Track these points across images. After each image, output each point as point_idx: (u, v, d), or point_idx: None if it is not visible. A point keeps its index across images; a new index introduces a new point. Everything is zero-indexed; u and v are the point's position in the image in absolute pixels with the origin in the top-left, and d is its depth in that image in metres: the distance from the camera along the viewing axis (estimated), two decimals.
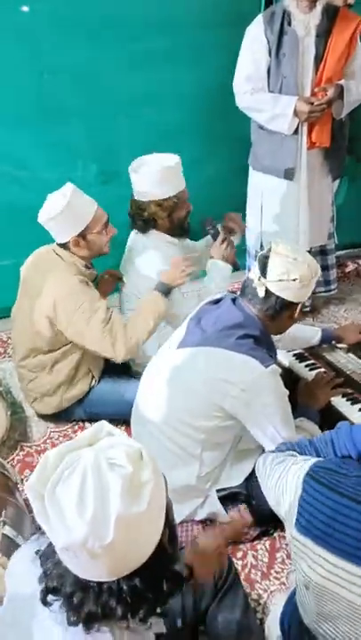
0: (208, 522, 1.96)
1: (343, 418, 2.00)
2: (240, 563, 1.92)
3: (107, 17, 2.79)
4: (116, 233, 2.31)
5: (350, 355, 2.33)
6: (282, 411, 1.78)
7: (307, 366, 2.30)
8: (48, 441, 2.48)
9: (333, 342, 2.39)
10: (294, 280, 1.71)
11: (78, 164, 3.06)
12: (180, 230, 2.44)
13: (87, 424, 2.53)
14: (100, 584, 0.91)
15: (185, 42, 2.99)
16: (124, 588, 0.91)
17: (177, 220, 2.41)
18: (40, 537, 1.00)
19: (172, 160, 2.35)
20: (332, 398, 2.09)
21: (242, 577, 1.79)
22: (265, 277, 1.73)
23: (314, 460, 1.37)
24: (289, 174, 2.75)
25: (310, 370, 2.27)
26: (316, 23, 2.53)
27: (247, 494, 1.91)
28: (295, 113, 2.59)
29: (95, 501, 0.86)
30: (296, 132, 2.67)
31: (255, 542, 1.99)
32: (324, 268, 3.10)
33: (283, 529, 1.82)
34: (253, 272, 1.78)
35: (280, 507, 1.37)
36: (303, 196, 2.81)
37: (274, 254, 1.73)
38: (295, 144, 2.70)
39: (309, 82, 2.62)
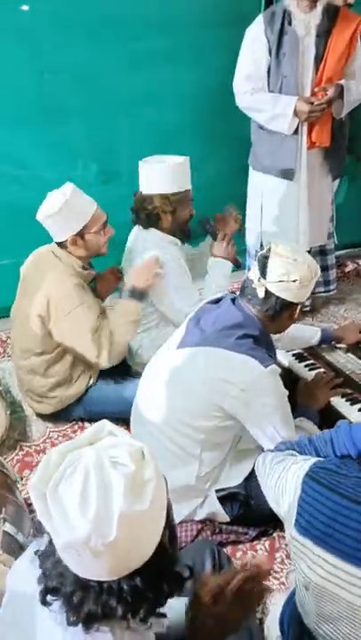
0: (208, 522, 1.96)
1: (343, 418, 1.99)
2: (239, 563, 1.92)
3: (107, 17, 2.79)
4: (113, 234, 2.31)
5: (350, 355, 2.33)
6: (281, 411, 1.78)
7: (306, 366, 2.30)
8: (47, 440, 2.48)
9: (333, 342, 2.39)
10: (294, 281, 1.71)
11: (78, 163, 3.06)
12: (180, 233, 2.44)
13: (87, 424, 2.53)
14: (100, 583, 0.91)
15: (185, 42, 2.99)
16: (125, 587, 0.91)
17: (179, 221, 2.41)
18: (39, 537, 0.99)
19: (181, 158, 2.37)
20: (332, 398, 2.09)
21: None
22: (265, 278, 1.73)
23: (314, 460, 1.37)
24: (289, 174, 2.75)
25: (310, 370, 2.27)
26: (316, 23, 2.53)
27: (246, 494, 1.91)
28: (295, 113, 2.59)
29: (98, 499, 0.86)
30: (296, 131, 2.67)
31: (254, 542, 1.99)
32: (324, 268, 3.10)
33: (282, 529, 1.82)
34: (253, 272, 1.78)
35: (280, 507, 1.37)
36: (303, 196, 2.81)
37: (274, 255, 1.73)
38: (295, 144, 2.70)
39: (309, 81, 2.62)
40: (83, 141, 3.01)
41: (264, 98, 2.66)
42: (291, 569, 1.86)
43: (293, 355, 2.37)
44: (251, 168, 2.95)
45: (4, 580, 1.10)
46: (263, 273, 1.74)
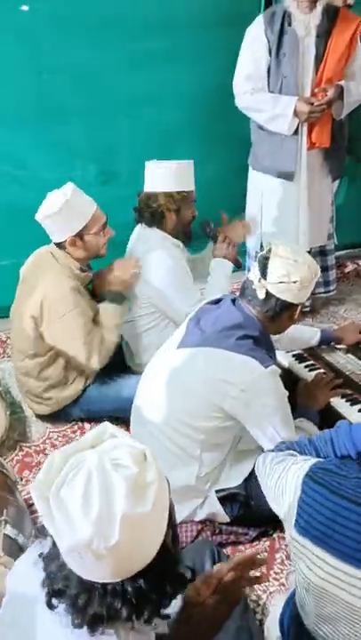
0: (207, 522, 1.96)
1: (343, 418, 1.99)
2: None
3: (106, 17, 2.79)
4: (113, 235, 2.31)
5: (350, 355, 2.33)
6: (281, 411, 1.78)
7: (306, 367, 2.30)
8: (47, 441, 2.48)
9: (333, 343, 2.39)
10: (295, 282, 1.71)
11: (78, 164, 3.07)
12: (182, 235, 2.44)
13: (86, 424, 2.53)
14: (104, 585, 0.91)
15: (185, 42, 3.00)
16: (129, 589, 0.91)
17: (183, 221, 2.41)
18: (42, 540, 0.99)
19: (186, 161, 2.38)
20: (332, 399, 2.09)
21: None
22: (265, 279, 1.73)
23: (313, 460, 1.37)
24: (289, 175, 2.75)
25: (310, 370, 2.27)
26: (316, 23, 2.54)
27: (246, 495, 1.91)
28: (295, 113, 2.59)
29: (100, 502, 0.86)
30: (296, 132, 2.67)
31: (254, 543, 1.99)
32: (324, 268, 3.10)
33: (282, 529, 1.82)
34: (253, 273, 1.78)
35: (279, 507, 1.37)
36: (303, 197, 2.81)
37: (274, 256, 1.73)
38: (295, 144, 2.70)
39: (309, 82, 2.62)
40: (82, 142, 3.01)
41: (264, 98, 2.66)
42: (291, 570, 1.86)
43: (293, 355, 2.37)
44: (251, 168, 2.95)
45: (5, 581, 1.10)
46: (264, 274, 1.73)
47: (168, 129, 3.07)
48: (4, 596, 1.09)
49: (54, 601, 0.94)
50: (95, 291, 2.44)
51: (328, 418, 1.99)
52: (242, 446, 1.97)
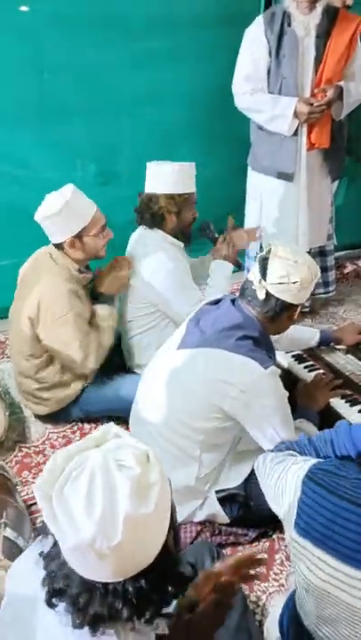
0: (207, 523, 1.96)
1: (342, 419, 1.99)
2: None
3: (108, 16, 2.79)
4: (112, 237, 2.31)
5: (349, 356, 2.33)
6: (281, 412, 1.78)
7: (306, 367, 2.30)
8: (47, 442, 2.48)
9: (332, 343, 2.39)
10: (295, 282, 1.71)
11: (78, 164, 3.06)
12: (182, 236, 2.44)
13: (85, 424, 2.53)
14: (105, 585, 0.91)
15: (185, 42, 3.00)
16: (130, 589, 0.91)
17: (183, 223, 2.41)
18: (43, 539, 0.99)
19: (188, 163, 2.38)
20: (332, 400, 2.09)
21: None
22: (265, 280, 1.73)
23: (313, 461, 1.37)
24: (288, 176, 2.75)
25: (309, 371, 2.27)
26: (315, 24, 2.54)
27: (246, 495, 1.91)
28: (295, 114, 2.59)
29: (104, 502, 0.86)
30: (296, 133, 2.67)
31: (254, 544, 1.99)
32: (324, 269, 3.10)
33: (281, 530, 1.82)
34: (253, 274, 1.78)
35: (279, 507, 1.37)
36: (303, 197, 2.81)
37: (274, 256, 1.73)
38: (295, 145, 2.70)
39: (309, 83, 2.62)
40: (83, 141, 3.01)
41: (264, 99, 2.66)
42: (290, 571, 1.86)
43: (293, 356, 2.37)
44: (250, 169, 2.95)
45: (3, 584, 1.09)
46: (263, 274, 1.73)
47: (169, 129, 3.07)
48: (3, 598, 1.08)
49: (55, 600, 0.94)
50: (94, 291, 2.44)
51: (328, 418, 1.99)
52: (241, 447, 1.96)
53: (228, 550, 1.94)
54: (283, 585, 1.86)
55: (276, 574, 1.90)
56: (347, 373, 2.23)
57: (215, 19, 2.98)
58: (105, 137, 3.04)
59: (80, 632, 0.93)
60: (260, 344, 1.78)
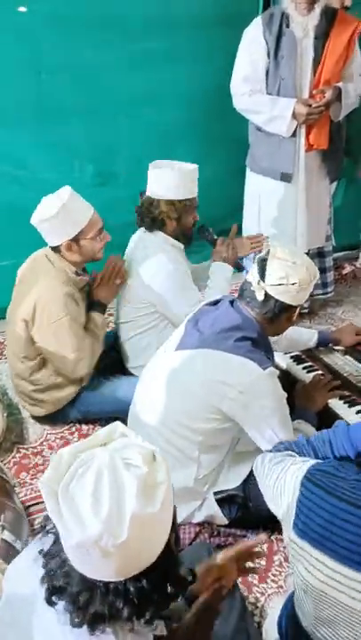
0: (205, 524, 1.95)
1: (341, 420, 1.99)
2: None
3: (106, 17, 2.79)
4: (109, 240, 2.30)
5: (348, 357, 2.33)
6: (280, 413, 1.78)
7: (304, 368, 2.30)
8: (45, 443, 2.47)
9: (331, 344, 2.39)
10: (293, 284, 1.71)
11: (77, 164, 3.06)
12: (183, 238, 2.44)
13: (84, 425, 2.53)
14: (106, 584, 0.91)
15: (183, 43, 3.00)
16: (131, 589, 0.91)
17: (183, 227, 2.40)
18: (43, 537, 0.99)
19: (191, 166, 2.37)
20: (330, 401, 2.09)
21: (239, 580, 1.78)
22: (264, 281, 1.73)
23: (312, 461, 1.37)
24: (287, 177, 2.75)
25: (308, 372, 2.27)
26: (314, 25, 2.54)
27: (244, 497, 1.91)
28: (293, 115, 2.59)
29: (110, 500, 0.87)
30: (294, 134, 2.67)
31: None
32: (322, 270, 3.10)
33: (280, 532, 1.81)
34: (252, 275, 1.78)
35: (278, 507, 1.36)
36: (301, 199, 2.81)
37: (273, 257, 1.73)
38: (293, 146, 2.70)
39: (308, 84, 2.62)
40: (80, 142, 3.01)
41: (262, 100, 2.66)
42: (289, 572, 1.86)
43: (291, 357, 2.37)
44: (248, 170, 2.95)
45: (1, 585, 1.09)
46: (262, 276, 1.73)
47: (167, 130, 3.07)
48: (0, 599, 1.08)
49: (54, 598, 0.94)
50: (90, 298, 2.44)
51: (326, 419, 1.99)
52: (240, 448, 1.96)
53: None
54: (281, 586, 1.86)
55: (274, 576, 1.90)
56: (345, 374, 2.23)
57: (213, 19, 2.98)
58: (103, 137, 3.04)
59: (79, 631, 0.93)
60: (258, 345, 1.78)
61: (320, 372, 2.26)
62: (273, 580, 1.88)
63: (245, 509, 1.91)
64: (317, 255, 3.07)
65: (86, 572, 0.91)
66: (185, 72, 3.04)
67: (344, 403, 2.08)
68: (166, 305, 2.37)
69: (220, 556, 1.27)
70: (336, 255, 3.39)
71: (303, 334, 2.36)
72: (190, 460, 1.85)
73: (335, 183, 3.04)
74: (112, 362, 2.57)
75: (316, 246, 3.04)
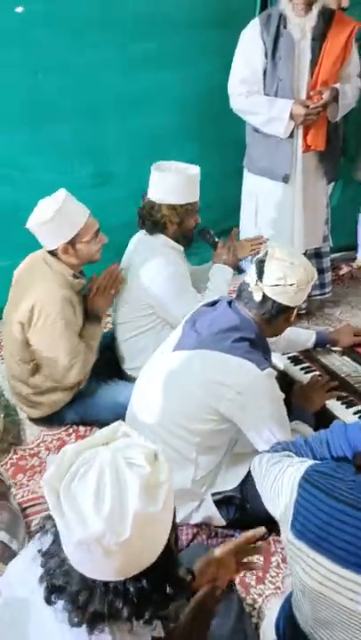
0: (203, 526, 1.95)
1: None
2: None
3: (101, 18, 2.78)
4: (106, 241, 2.30)
5: (345, 358, 2.33)
6: (277, 414, 1.78)
7: (302, 369, 2.30)
8: (41, 444, 2.46)
9: (328, 345, 2.39)
10: (291, 285, 1.71)
11: (72, 165, 3.05)
12: (184, 240, 2.44)
13: (81, 427, 2.52)
14: (106, 584, 0.91)
15: (179, 43, 2.99)
16: (131, 589, 0.91)
17: (184, 230, 2.40)
18: (42, 537, 0.99)
19: (194, 169, 2.36)
20: (327, 401, 2.09)
21: (236, 581, 1.78)
22: (261, 281, 1.73)
23: (310, 462, 1.36)
24: (284, 178, 2.75)
25: (305, 373, 2.27)
26: (311, 26, 2.54)
27: (242, 498, 1.91)
28: (291, 116, 2.59)
29: (113, 498, 0.87)
30: (291, 135, 2.67)
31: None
32: (320, 270, 3.10)
33: (278, 533, 1.81)
34: (250, 276, 1.78)
35: (275, 507, 1.36)
36: (298, 199, 2.81)
37: (271, 258, 1.73)
38: (290, 147, 2.70)
39: (305, 85, 2.62)
40: (77, 143, 3.00)
41: (259, 101, 2.66)
42: (286, 573, 1.86)
43: (289, 358, 2.37)
44: (246, 170, 2.95)
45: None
46: (260, 276, 1.73)
47: (163, 130, 3.07)
48: None
49: (53, 597, 0.94)
50: (86, 307, 2.43)
51: (324, 420, 1.99)
52: (238, 449, 1.96)
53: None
54: (279, 587, 1.85)
55: (272, 577, 1.90)
56: (343, 375, 2.23)
57: (210, 21, 2.98)
58: (99, 138, 3.03)
59: (77, 630, 0.93)
60: (256, 346, 1.78)
61: (318, 372, 2.26)
62: (271, 582, 1.88)
63: (243, 510, 1.91)
64: (315, 256, 3.07)
65: (86, 572, 0.91)
66: (182, 73, 3.04)
67: (342, 404, 2.09)
68: (165, 307, 2.37)
69: (219, 550, 1.28)
70: (333, 256, 3.40)
71: (301, 335, 2.36)
72: (188, 461, 1.85)
73: (332, 184, 3.04)
74: (107, 361, 2.56)
75: (314, 247, 3.04)
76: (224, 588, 1.26)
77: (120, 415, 2.10)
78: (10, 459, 2.39)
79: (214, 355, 1.74)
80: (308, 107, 2.58)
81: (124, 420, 2.06)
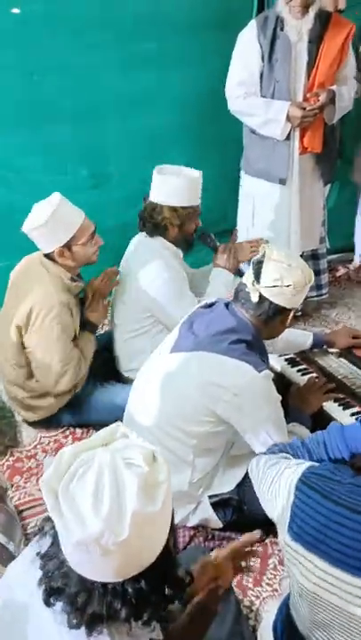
0: (200, 528, 1.95)
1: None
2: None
3: (99, 19, 2.78)
4: (102, 243, 2.30)
5: (342, 359, 2.33)
6: (274, 416, 1.78)
7: (299, 371, 2.30)
8: (38, 446, 2.46)
9: (325, 347, 2.39)
10: (288, 286, 1.71)
11: (69, 167, 3.05)
12: (184, 244, 2.44)
13: (77, 429, 2.51)
14: (104, 585, 0.91)
15: (177, 45, 2.99)
16: (129, 590, 0.91)
17: (185, 233, 2.40)
18: (40, 539, 0.99)
19: (196, 173, 2.37)
20: (324, 403, 2.09)
21: (233, 583, 1.78)
22: (259, 283, 1.73)
23: (307, 464, 1.36)
24: (281, 179, 2.76)
25: (302, 375, 2.27)
26: (308, 28, 2.55)
27: (239, 500, 1.90)
28: (288, 118, 2.60)
29: (111, 499, 0.87)
30: (288, 137, 2.68)
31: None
32: (316, 272, 3.10)
33: (275, 535, 1.81)
34: (247, 277, 1.78)
35: (273, 509, 1.36)
36: (295, 201, 2.81)
37: (268, 259, 1.73)
38: (287, 149, 2.70)
39: (302, 87, 2.63)
40: (73, 144, 2.99)
41: (257, 102, 2.66)
42: (284, 575, 1.85)
43: (286, 359, 2.37)
44: (243, 172, 2.96)
45: None
46: (257, 277, 1.73)
47: (160, 132, 3.07)
48: None
49: (52, 599, 0.94)
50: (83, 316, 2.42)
51: (321, 422, 1.99)
52: (235, 451, 1.96)
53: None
54: (276, 590, 1.85)
55: (269, 579, 1.89)
56: (339, 377, 2.23)
57: (207, 22, 2.98)
58: (96, 140, 3.03)
59: (76, 632, 0.92)
60: (253, 348, 1.78)
61: (315, 374, 2.26)
62: (268, 584, 1.88)
63: (240, 513, 1.91)
64: (311, 257, 3.08)
65: (85, 573, 0.91)
66: (179, 74, 3.04)
67: (339, 405, 2.08)
68: (162, 310, 2.37)
69: (215, 554, 1.28)
70: (330, 257, 3.40)
71: (298, 336, 2.36)
72: (185, 463, 1.84)
73: (329, 185, 3.05)
74: (104, 362, 2.55)
75: (310, 248, 3.05)
76: (226, 588, 1.26)
77: (117, 417, 2.08)
78: (6, 461, 2.38)
79: (211, 356, 1.74)
80: (304, 109, 2.58)
81: (121, 421, 2.05)
